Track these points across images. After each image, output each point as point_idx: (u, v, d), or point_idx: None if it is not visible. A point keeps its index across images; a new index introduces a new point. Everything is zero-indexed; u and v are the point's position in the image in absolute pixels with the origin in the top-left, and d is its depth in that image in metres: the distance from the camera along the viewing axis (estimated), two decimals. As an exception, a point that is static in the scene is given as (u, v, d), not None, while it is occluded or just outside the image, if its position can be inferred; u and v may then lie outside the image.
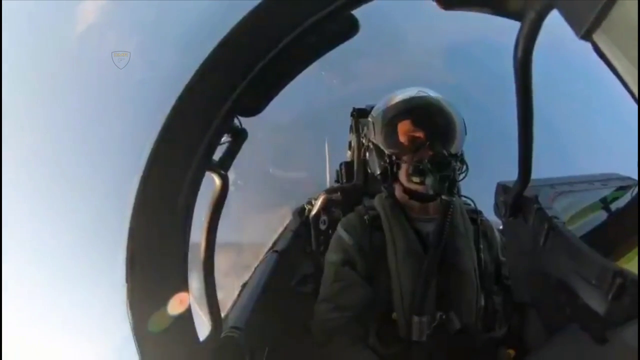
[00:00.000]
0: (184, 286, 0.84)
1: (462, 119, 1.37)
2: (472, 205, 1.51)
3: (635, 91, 0.44)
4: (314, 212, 2.08)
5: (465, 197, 1.53)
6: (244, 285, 1.73)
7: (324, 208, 2.05)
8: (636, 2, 0.42)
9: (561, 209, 1.41)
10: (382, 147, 1.38)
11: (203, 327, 1.05)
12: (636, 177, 1.53)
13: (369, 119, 1.48)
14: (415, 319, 1.23)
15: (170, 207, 0.82)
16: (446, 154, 1.26)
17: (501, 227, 1.69)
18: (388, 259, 1.32)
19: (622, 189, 1.53)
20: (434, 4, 0.80)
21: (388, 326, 1.29)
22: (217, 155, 1.02)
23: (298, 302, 1.70)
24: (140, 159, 0.82)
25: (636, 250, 1.30)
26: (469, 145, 1.39)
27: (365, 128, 1.53)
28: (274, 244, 2.24)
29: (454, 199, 1.26)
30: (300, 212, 2.36)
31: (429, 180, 1.24)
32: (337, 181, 2.40)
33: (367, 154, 1.48)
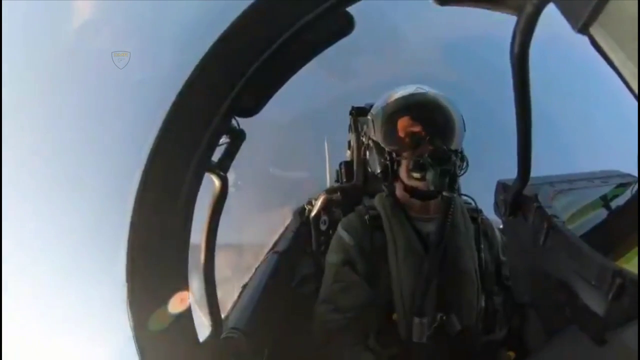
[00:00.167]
0: (184, 286, 0.84)
1: (461, 116, 1.37)
2: (473, 204, 1.50)
3: (634, 85, 0.44)
4: (314, 212, 2.08)
5: (465, 195, 1.52)
6: (244, 286, 1.73)
7: (324, 208, 2.04)
8: None
9: (561, 207, 1.40)
10: (382, 145, 1.37)
11: (203, 328, 1.05)
12: (636, 175, 1.53)
13: (369, 117, 1.48)
14: (416, 320, 1.23)
15: (170, 208, 0.82)
16: (446, 148, 1.26)
17: (501, 226, 1.69)
18: (389, 259, 1.32)
19: (623, 186, 1.53)
20: (430, 0, 0.79)
21: (388, 327, 1.29)
22: (216, 156, 1.02)
23: (298, 303, 1.69)
24: (139, 158, 0.82)
25: (636, 249, 1.30)
26: (469, 143, 1.39)
27: (364, 126, 1.53)
28: (275, 244, 2.24)
29: (455, 195, 1.26)
30: (301, 213, 2.36)
31: (429, 175, 1.24)
32: (337, 181, 2.40)
33: (367, 153, 1.48)
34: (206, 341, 1.02)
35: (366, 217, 1.41)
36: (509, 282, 1.47)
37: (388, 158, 1.35)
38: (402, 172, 1.34)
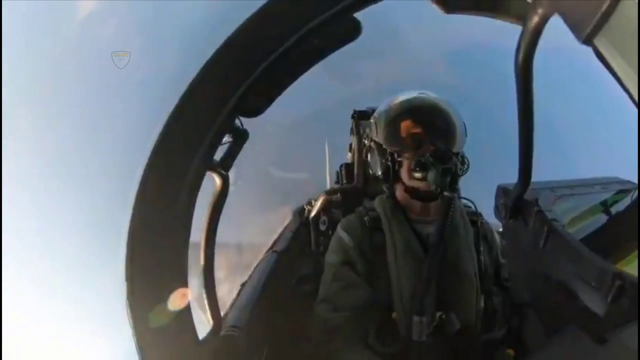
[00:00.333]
0: (183, 284, 0.85)
1: (462, 121, 1.38)
2: (473, 207, 1.51)
3: (636, 96, 0.44)
4: (313, 212, 2.08)
5: (465, 199, 1.53)
6: (243, 285, 1.73)
7: (324, 209, 2.05)
8: (637, 7, 0.42)
9: (561, 211, 1.41)
10: (384, 146, 1.38)
11: (203, 326, 1.05)
12: (636, 181, 1.53)
13: (371, 120, 1.49)
14: (416, 318, 1.23)
15: (170, 206, 0.83)
16: (447, 149, 1.28)
17: (501, 229, 1.70)
18: (388, 259, 1.32)
19: (623, 192, 1.53)
20: (437, 8, 0.80)
21: (388, 326, 1.29)
22: (218, 155, 1.03)
23: (297, 302, 1.70)
24: (141, 157, 0.82)
25: (636, 253, 1.31)
26: (471, 148, 1.40)
27: (367, 129, 1.53)
28: (274, 244, 2.24)
29: (455, 196, 1.26)
30: (300, 213, 2.37)
31: (430, 175, 1.24)
32: (337, 182, 2.40)
33: (369, 155, 1.48)
34: (205, 339, 1.02)
35: (366, 218, 1.41)
36: (508, 283, 1.47)
37: (390, 159, 1.36)
38: (404, 173, 1.35)
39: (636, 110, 0.48)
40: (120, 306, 0.80)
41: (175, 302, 0.83)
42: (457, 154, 1.33)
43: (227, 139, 1.03)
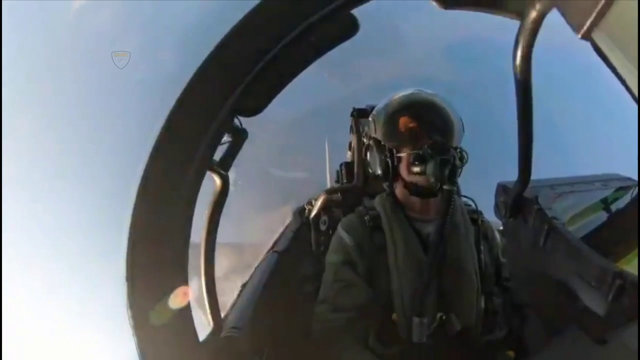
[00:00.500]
0: (184, 285, 0.84)
1: (459, 117, 1.39)
2: (473, 205, 1.51)
3: (635, 90, 0.44)
4: (314, 212, 2.08)
5: (465, 197, 1.53)
6: (243, 286, 1.73)
7: (324, 208, 2.05)
8: (634, 1, 0.42)
9: (561, 209, 1.41)
10: (382, 142, 1.38)
11: (203, 327, 1.05)
12: (636, 178, 1.53)
13: (370, 118, 1.49)
14: (416, 319, 1.23)
15: (170, 206, 0.83)
16: (445, 142, 1.28)
17: (501, 227, 1.69)
18: (388, 259, 1.32)
19: (623, 189, 1.53)
20: (434, 4, 0.80)
21: (388, 327, 1.29)
22: (218, 155, 1.03)
23: (298, 303, 1.69)
24: (141, 156, 0.82)
25: (636, 251, 1.31)
26: (471, 145, 1.40)
27: (366, 127, 1.54)
28: (274, 244, 2.24)
29: (455, 189, 1.26)
30: (301, 213, 2.36)
31: (429, 167, 1.25)
32: (337, 181, 2.40)
33: (368, 153, 1.49)
34: (206, 340, 1.02)
35: (366, 217, 1.41)
36: (509, 283, 1.47)
37: (388, 155, 1.36)
38: (403, 169, 1.35)
39: (635, 105, 0.48)
40: (122, 306, 0.80)
41: (175, 302, 0.83)
42: (456, 148, 1.34)
43: (226, 138, 1.02)
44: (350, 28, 0.85)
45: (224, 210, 1.11)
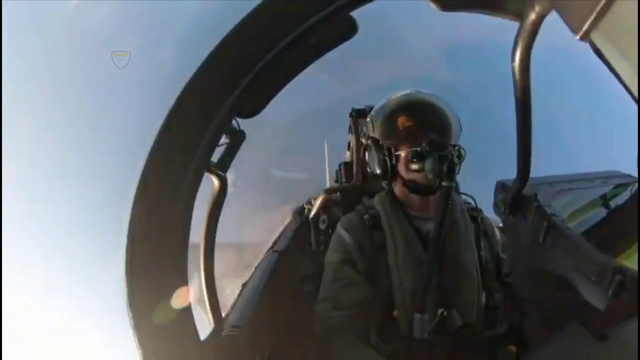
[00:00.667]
0: (183, 284, 0.85)
1: (457, 116, 1.40)
2: (473, 203, 1.51)
3: (635, 91, 0.44)
4: (313, 211, 2.08)
5: (465, 194, 1.53)
6: (244, 285, 1.73)
7: (324, 208, 2.05)
8: (634, 2, 0.42)
9: (561, 206, 1.41)
10: (380, 141, 1.39)
11: (204, 326, 1.05)
12: (636, 175, 1.53)
13: (368, 118, 1.50)
14: (417, 316, 1.23)
15: (169, 206, 0.82)
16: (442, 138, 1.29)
17: (501, 225, 1.70)
18: (388, 257, 1.32)
19: (622, 186, 1.53)
20: (433, 6, 0.80)
21: (389, 324, 1.29)
22: (216, 157, 1.02)
23: (298, 302, 1.70)
24: (141, 156, 0.82)
25: (636, 246, 1.31)
26: (470, 145, 1.40)
27: (364, 128, 1.54)
28: (274, 243, 2.24)
29: (453, 185, 1.27)
30: (300, 212, 2.37)
31: (427, 164, 1.25)
32: (336, 181, 2.40)
33: (366, 153, 1.49)
34: (207, 339, 1.02)
35: (365, 216, 1.41)
36: (509, 279, 1.48)
37: (387, 154, 1.36)
38: (401, 167, 1.35)
39: (635, 106, 0.48)
40: (122, 305, 0.80)
41: (175, 301, 0.83)
42: (454, 145, 1.34)
43: (224, 140, 1.02)
44: (349, 29, 0.85)
45: (224, 210, 1.11)
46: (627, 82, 0.45)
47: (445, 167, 1.23)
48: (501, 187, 1.59)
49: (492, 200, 1.68)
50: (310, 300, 1.46)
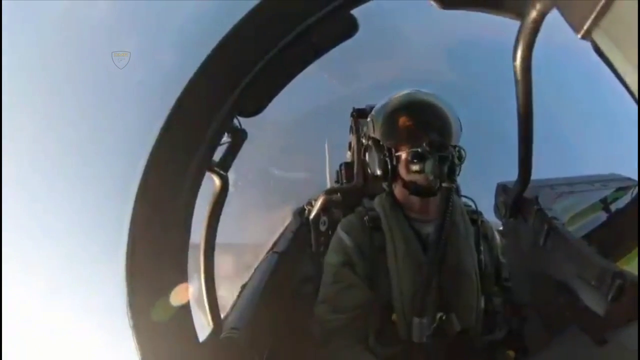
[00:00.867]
0: (183, 284, 0.84)
1: (457, 116, 1.40)
2: (473, 205, 1.51)
3: (635, 91, 0.44)
4: (313, 213, 2.07)
5: (465, 197, 1.52)
6: (243, 286, 1.72)
7: (324, 209, 2.04)
8: (635, 1, 0.42)
9: (561, 209, 1.41)
10: (381, 142, 1.38)
11: (203, 328, 1.05)
12: (636, 178, 1.53)
13: (368, 118, 1.49)
14: (416, 320, 1.23)
15: (170, 206, 0.82)
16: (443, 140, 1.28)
17: (501, 228, 1.69)
18: (388, 260, 1.32)
19: (622, 189, 1.53)
20: (433, 4, 0.80)
21: (388, 327, 1.29)
22: (217, 156, 1.02)
23: (298, 303, 1.69)
24: (142, 156, 0.82)
25: (636, 251, 1.30)
26: (471, 145, 1.40)
27: (364, 128, 1.54)
28: (274, 244, 2.24)
29: (454, 187, 1.26)
30: (300, 213, 2.36)
31: (428, 165, 1.25)
32: (337, 182, 2.40)
33: (367, 153, 1.48)
34: (206, 341, 1.02)
35: (365, 218, 1.41)
36: (509, 283, 1.47)
37: (387, 154, 1.36)
38: (401, 168, 1.35)
39: (635, 105, 0.48)
40: (122, 305, 0.80)
41: (175, 301, 0.83)
42: (454, 146, 1.34)
43: (225, 139, 1.02)
44: (350, 28, 0.85)
45: (224, 211, 1.11)
46: (628, 81, 0.45)
47: (445, 168, 1.22)
48: (502, 189, 1.58)
49: (492, 202, 1.68)
50: (310, 301, 1.45)
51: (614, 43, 0.45)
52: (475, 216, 1.46)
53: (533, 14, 0.68)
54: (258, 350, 1.36)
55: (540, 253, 1.33)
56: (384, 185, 1.45)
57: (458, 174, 1.33)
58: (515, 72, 0.84)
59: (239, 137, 1.05)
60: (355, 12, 0.82)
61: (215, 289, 1.10)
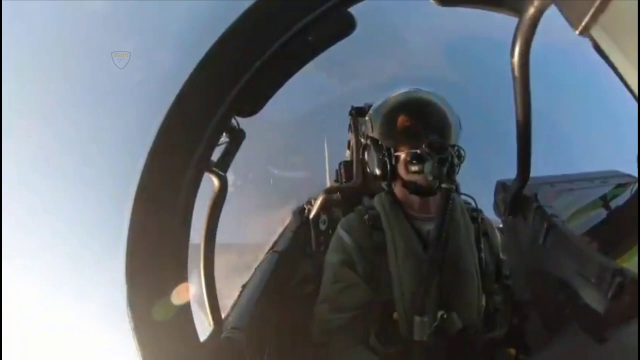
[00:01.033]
0: (183, 283, 0.84)
1: (456, 115, 1.39)
2: (473, 203, 1.51)
3: (634, 87, 0.44)
4: (313, 212, 2.08)
5: (465, 195, 1.52)
6: (244, 286, 1.73)
7: (324, 208, 2.05)
8: None
9: (561, 206, 1.40)
10: (380, 141, 1.38)
11: (203, 328, 1.05)
12: (636, 175, 1.53)
13: (367, 117, 1.49)
14: (417, 318, 1.22)
15: (169, 206, 0.82)
16: (442, 141, 1.28)
17: (501, 225, 1.69)
18: (388, 258, 1.32)
19: (622, 186, 1.53)
20: (431, 1, 0.79)
21: (389, 326, 1.29)
22: (215, 156, 1.02)
23: (298, 303, 1.69)
24: (140, 155, 0.82)
25: (636, 248, 1.30)
26: (470, 143, 1.39)
27: (363, 127, 1.53)
28: (274, 244, 2.24)
29: (453, 187, 1.26)
30: (300, 212, 2.37)
31: (427, 166, 1.25)
32: (336, 181, 2.40)
33: (366, 153, 1.48)
34: (206, 341, 1.02)
35: (365, 217, 1.41)
36: (509, 281, 1.47)
37: (386, 154, 1.35)
38: (401, 168, 1.35)
39: (635, 102, 0.48)
40: (122, 305, 0.80)
41: (175, 301, 0.83)
42: (453, 146, 1.33)
43: (224, 139, 1.02)
44: (348, 26, 0.85)
45: (224, 211, 1.10)
46: (627, 78, 0.45)
47: (445, 170, 1.22)
48: (501, 187, 1.58)
49: (492, 200, 1.67)
50: (310, 301, 1.45)
51: (612, 39, 0.44)
52: (475, 214, 1.46)
53: (531, 10, 0.67)
54: (258, 350, 1.37)
55: (540, 250, 1.33)
56: (383, 184, 1.45)
57: (457, 173, 1.33)
58: (513, 69, 0.84)
59: (237, 137, 1.05)
60: (353, 9, 0.82)
61: (215, 289, 1.10)
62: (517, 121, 1.04)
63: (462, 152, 1.35)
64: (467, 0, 0.82)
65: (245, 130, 1.06)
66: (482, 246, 1.41)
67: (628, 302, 0.92)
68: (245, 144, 1.08)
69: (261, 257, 2.07)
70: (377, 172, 1.40)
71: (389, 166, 1.36)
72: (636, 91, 0.45)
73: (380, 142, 1.38)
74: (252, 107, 0.93)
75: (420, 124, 1.32)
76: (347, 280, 1.33)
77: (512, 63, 0.83)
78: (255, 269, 1.91)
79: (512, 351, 1.33)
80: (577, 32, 0.49)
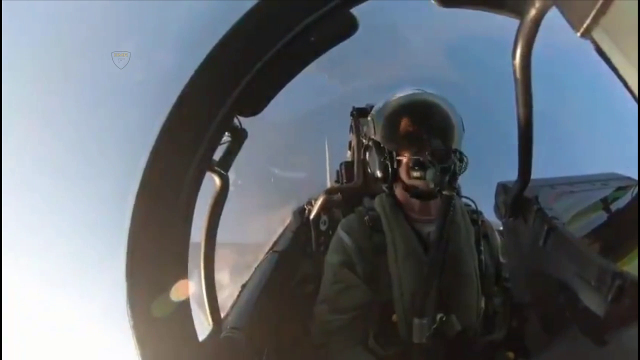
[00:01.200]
0: (183, 283, 0.84)
1: (460, 118, 1.38)
2: (473, 205, 1.50)
3: (635, 90, 0.44)
4: (314, 212, 2.08)
5: (466, 197, 1.52)
6: (243, 286, 1.73)
7: (324, 208, 2.05)
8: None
9: (562, 209, 1.40)
10: (382, 144, 1.38)
11: (203, 327, 1.05)
12: (636, 177, 1.53)
13: (369, 118, 1.48)
14: (416, 321, 1.22)
15: (170, 206, 0.82)
16: (445, 147, 1.27)
17: (501, 227, 1.69)
18: (388, 260, 1.31)
19: (623, 189, 1.52)
20: (433, 2, 0.80)
21: (388, 328, 1.29)
22: (217, 155, 1.02)
23: (298, 303, 1.69)
24: (142, 155, 0.82)
25: (636, 251, 1.30)
26: (471, 145, 1.39)
27: (365, 127, 1.53)
28: (274, 244, 2.24)
29: (455, 194, 1.26)
30: (301, 213, 2.37)
31: (429, 174, 1.24)
32: (337, 181, 2.40)
33: (367, 154, 1.48)
34: (206, 340, 1.02)
35: (366, 218, 1.41)
36: (509, 283, 1.47)
37: (388, 157, 1.35)
38: (402, 172, 1.34)
39: (635, 104, 0.48)
40: (122, 305, 0.80)
41: (175, 301, 0.83)
42: (455, 151, 1.33)
43: (226, 138, 1.02)
44: (350, 27, 0.85)
45: (224, 211, 1.11)
46: (628, 80, 0.45)
47: (447, 178, 1.21)
48: (502, 188, 1.58)
49: (492, 202, 1.67)
50: (310, 301, 1.45)
51: (614, 41, 0.44)
52: (475, 216, 1.46)
53: (532, 12, 0.67)
54: (258, 349, 1.37)
55: (540, 253, 1.32)
56: (384, 187, 1.44)
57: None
58: (514, 71, 0.84)
59: (239, 136, 1.05)
60: (354, 9, 0.82)
61: (215, 289, 1.10)
62: (519, 123, 1.04)
63: (464, 157, 1.34)
64: (469, 1, 0.82)
65: (247, 129, 1.07)
66: (482, 248, 1.41)
67: (628, 305, 0.91)
68: (246, 143, 1.09)
69: (261, 257, 2.07)
70: (379, 174, 1.40)
71: (390, 169, 1.35)
72: (637, 92, 0.45)
73: (382, 145, 1.37)
74: (254, 107, 0.93)
75: (423, 128, 1.30)
76: (346, 281, 1.33)
77: (513, 65, 0.83)
78: (255, 268, 1.91)
79: (511, 354, 1.33)
80: (578, 34, 0.49)
